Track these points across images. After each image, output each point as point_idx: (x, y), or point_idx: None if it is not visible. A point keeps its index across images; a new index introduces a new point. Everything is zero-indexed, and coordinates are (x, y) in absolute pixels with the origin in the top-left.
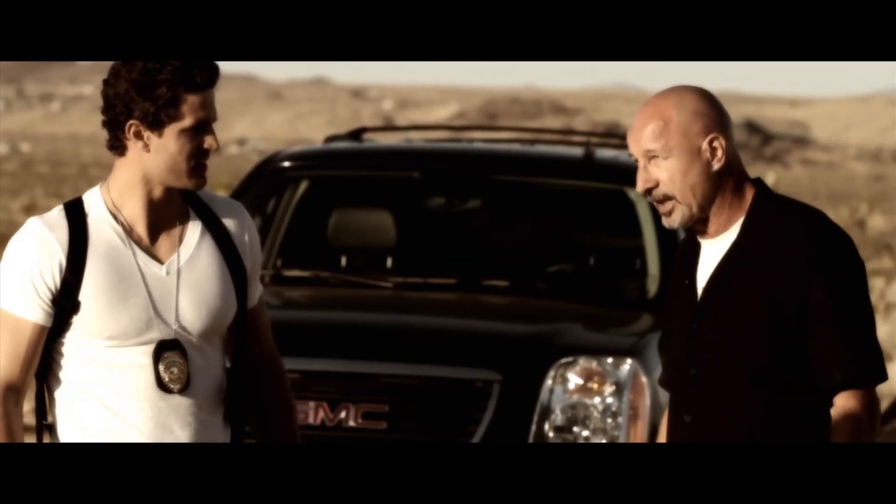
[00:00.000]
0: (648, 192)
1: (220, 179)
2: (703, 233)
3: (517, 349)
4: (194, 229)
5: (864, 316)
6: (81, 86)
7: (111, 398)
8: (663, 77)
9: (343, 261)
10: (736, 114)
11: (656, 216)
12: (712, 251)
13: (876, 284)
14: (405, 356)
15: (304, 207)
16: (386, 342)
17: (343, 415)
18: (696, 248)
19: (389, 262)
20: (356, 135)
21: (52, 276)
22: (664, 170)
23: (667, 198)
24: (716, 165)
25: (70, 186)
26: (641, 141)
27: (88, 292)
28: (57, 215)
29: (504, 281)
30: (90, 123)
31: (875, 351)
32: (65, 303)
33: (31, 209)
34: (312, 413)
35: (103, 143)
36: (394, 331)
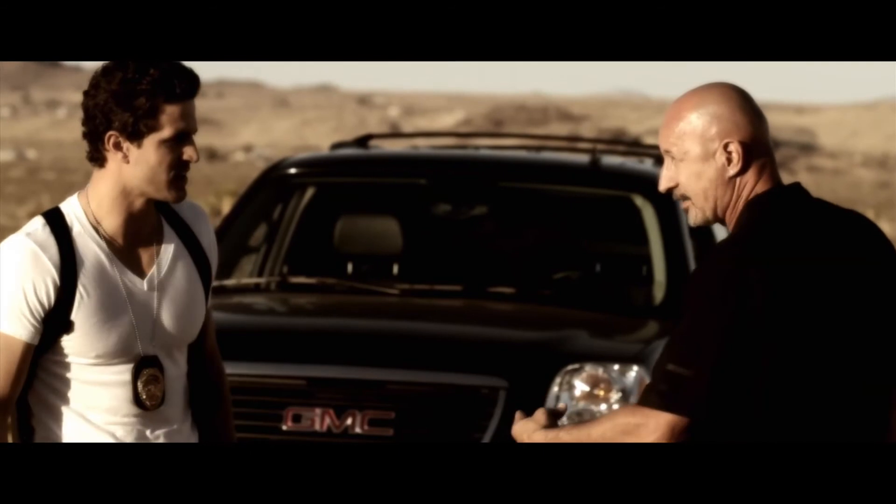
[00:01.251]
0: (670, 190)
1: (227, 186)
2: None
3: (523, 356)
4: (169, 240)
5: (692, 345)
6: None
7: (94, 414)
8: (670, 84)
9: (349, 267)
10: None
11: (662, 223)
12: None
13: None
14: (411, 363)
15: (311, 214)
16: (392, 349)
17: (349, 421)
18: None
19: (395, 268)
20: (362, 142)
21: (46, 296)
22: (681, 171)
23: (684, 197)
24: (731, 171)
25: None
26: (663, 139)
27: (81, 312)
28: (43, 232)
29: (510, 288)
30: None
31: (673, 384)
32: (57, 322)
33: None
34: (319, 420)
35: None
36: (400, 337)
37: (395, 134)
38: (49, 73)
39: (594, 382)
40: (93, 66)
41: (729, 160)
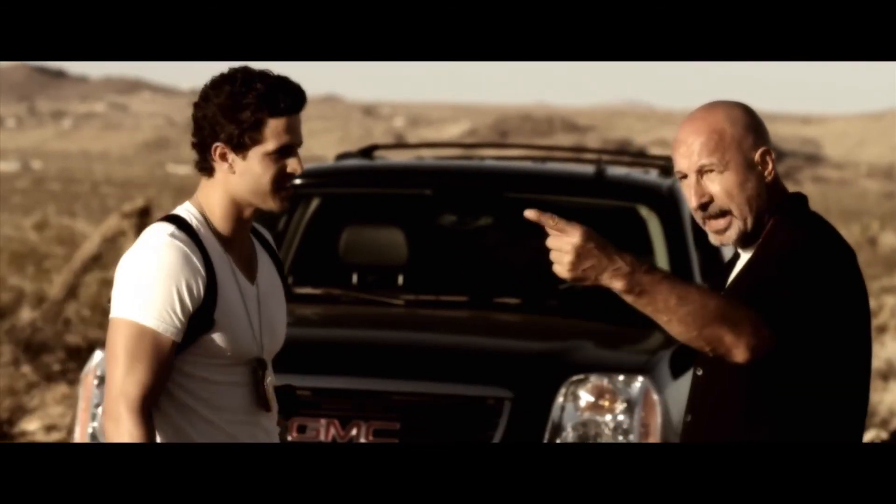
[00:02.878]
0: (704, 207)
1: None
2: (743, 245)
3: (528, 366)
4: (261, 254)
5: (788, 299)
6: (93, 103)
7: (218, 415)
8: (675, 95)
9: (354, 278)
10: None
11: (667, 233)
12: (742, 261)
13: (888, 302)
14: (416, 373)
15: (316, 225)
16: (397, 359)
17: (354, 432)
18: (736, 257)
19: (401, 279)
20: (368, 152)
21: (197, 294)
22: (718, 184)
23: (723, 213)
24: (768, 178)
25: (82, 204)
26: (694, 156)
27: (220, 312)
28: (183, 234)
29: (515, 298)
30: (102, 140)
31: (768, 320)
32: (200, 321)
33: (43, 226)
34: (324, 430)
35: (115, 161)
36: (405, 348)
37: (401, 144)
38: (55, 83)
39: (599, 393)
40: (99, 77)
41: (764, 168)
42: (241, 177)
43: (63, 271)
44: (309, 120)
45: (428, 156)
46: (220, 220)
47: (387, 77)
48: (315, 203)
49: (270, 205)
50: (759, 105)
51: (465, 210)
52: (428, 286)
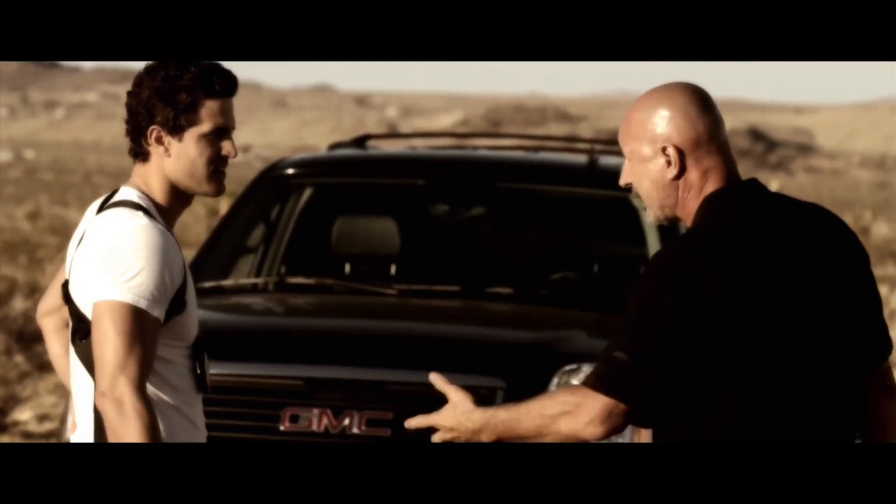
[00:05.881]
0: (629, 187)
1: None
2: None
3: (521, 356)
4: None
5: (636, 331)
6: (85, 93)
7: (178, 398)
8: None
9: (347, 268)
10: (740, 121)
11: (659, 223)
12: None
13: (880, 292)
14: (409, 363)
15: (308, 215)
16: (390, 349)
17: (347, 422)
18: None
19: (393, 269)
20: (360, 142)
21: (178, 275)
22: (632, 170)
23: (639, 196)
24: (670, 174)
25: (74, 194)
26: (620, 138)
27: (189, 293)
28: (150, 217)
29: (508, 288)
30: (94, 131)
31: (611, 369)
32: (177, 303)
33: (36, 216)
34: (316, 420)
35: (107, 150)
36: (398, 338)
37: (393, 134)
38: (47, 73)
39: None
40: (92, 67)
41: (668, 163)
42: (176, 160)
43: (56, 261)
44: (301, 110)
45: (421, 145)
46: (163, 205)
47: (379, 67)
48: (308, 193)
49: (206, 188)
50: (752, 94)
51: (458, 200)
52: (420, 276)
